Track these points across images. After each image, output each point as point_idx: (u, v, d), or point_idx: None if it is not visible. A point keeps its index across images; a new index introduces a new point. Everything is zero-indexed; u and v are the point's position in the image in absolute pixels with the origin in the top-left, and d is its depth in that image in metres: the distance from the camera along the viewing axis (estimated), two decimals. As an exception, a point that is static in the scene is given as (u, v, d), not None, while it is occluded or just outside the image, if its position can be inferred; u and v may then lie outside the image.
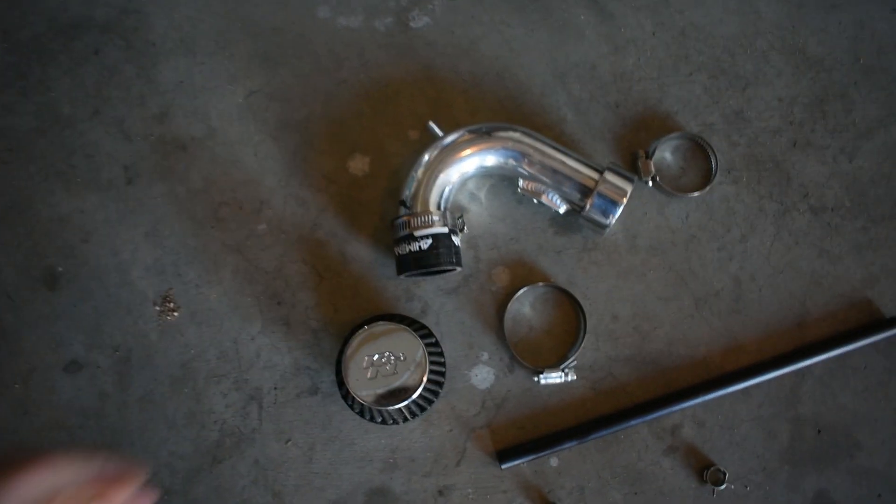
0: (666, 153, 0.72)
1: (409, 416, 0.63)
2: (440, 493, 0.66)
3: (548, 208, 0.68)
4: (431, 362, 0.61)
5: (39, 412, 0.67)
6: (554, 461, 0.66)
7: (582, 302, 0.68)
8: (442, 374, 0.65)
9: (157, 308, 0.69)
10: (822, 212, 0.71)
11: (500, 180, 0.71)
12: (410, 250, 0.63)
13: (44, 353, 0.68)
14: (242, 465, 0.66)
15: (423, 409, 0.63)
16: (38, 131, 0.72)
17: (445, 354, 0.66)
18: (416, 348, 0.60)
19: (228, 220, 0.70)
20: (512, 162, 0.66)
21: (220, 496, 0.66)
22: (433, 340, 0.65)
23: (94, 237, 0.70)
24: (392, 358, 0.60)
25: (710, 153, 0.72)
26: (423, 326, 0.66)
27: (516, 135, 0.66)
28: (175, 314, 0.69)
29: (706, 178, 0.72)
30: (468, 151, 0.65)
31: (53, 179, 0.71)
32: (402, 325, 0.61)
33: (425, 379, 0.60)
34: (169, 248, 0.70)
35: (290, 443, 0.67)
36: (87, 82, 0.73)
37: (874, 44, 0.75)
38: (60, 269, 0.70)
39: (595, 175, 0.65)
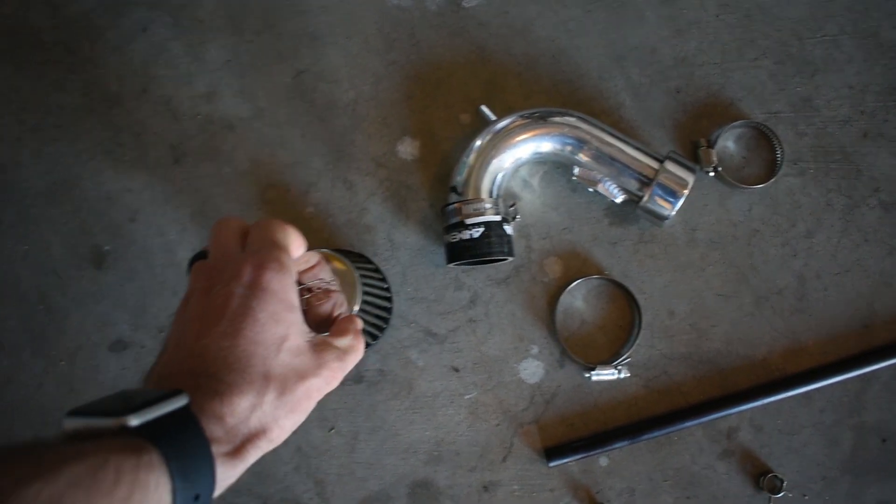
0: (729, 142, 0.69)
1: None
2: (485, 488, 0.65)
3: (603, 197, 0.65)
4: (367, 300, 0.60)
5: (85, 390, 0.67)
6: (604, 461, 0.64)
7: (637, 296, 0.66)
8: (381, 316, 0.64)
9: (202, 290, 0.68)
10: (894, 207, 0.67)
11: (553, 167, 0.69)
12: (461, 238, 0.61)
13: (90, 331, 0.68)
14: (285, 451, 0.66)
15: None
16: (86, 109, 0.71)
17: (494, 346, 0.64)
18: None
19: (275, 203, 0.69)
20: (569, 149, 0.63)
21: (261, 481, 0.65)
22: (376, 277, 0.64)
23: (141, 216, 0.70)
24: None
25: (776, 143, 0.68)
26: (369, 261, 0.66)
27: (573, 120, 0.63)
28: (219, 297, 0.68)
29: (771, 169, 0.68)
30: (523, 137, 0.63)
31: (101, 158, 0.71)
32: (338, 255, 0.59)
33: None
34: (214, 229, 0.69)
35: (333, 431, 0.66)
36: (135, 60, 0.72)
37: (958, 29, 0.70)
38: (107, 247, 0.69)
39: (655, 164, 0.62)
